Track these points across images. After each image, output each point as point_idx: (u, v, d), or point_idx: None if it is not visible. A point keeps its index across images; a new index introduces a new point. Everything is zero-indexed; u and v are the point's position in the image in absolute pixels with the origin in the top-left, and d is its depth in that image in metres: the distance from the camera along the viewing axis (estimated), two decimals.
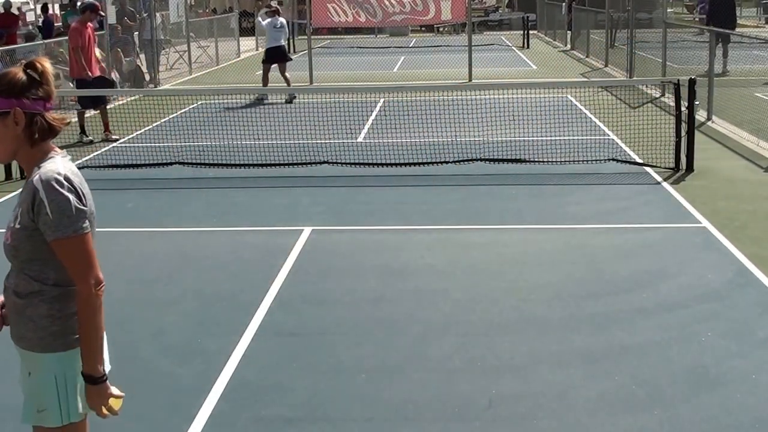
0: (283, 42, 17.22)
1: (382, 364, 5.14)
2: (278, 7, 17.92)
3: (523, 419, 4.46)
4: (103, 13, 13.66)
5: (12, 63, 15.13)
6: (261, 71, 17.18)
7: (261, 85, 17.03)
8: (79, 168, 11.13)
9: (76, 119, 12.60)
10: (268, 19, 17.03)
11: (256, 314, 5.88)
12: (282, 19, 17.20)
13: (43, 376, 2.93)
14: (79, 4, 20.56)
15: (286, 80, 16.81)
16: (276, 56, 16.90)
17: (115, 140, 12.66)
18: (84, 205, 2.85)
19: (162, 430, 4.46)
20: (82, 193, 2.85)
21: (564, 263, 6.88)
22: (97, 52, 17.62)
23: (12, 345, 3.06)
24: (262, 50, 28.97)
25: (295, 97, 16.10)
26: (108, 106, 13.30)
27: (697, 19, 22.80)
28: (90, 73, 12.66)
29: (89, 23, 13.02)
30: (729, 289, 6.32)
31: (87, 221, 2.86)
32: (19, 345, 2.98)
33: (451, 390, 4.77)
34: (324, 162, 10.44)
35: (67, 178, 2.82)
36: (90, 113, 13.23)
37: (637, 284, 6.38)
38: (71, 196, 2.80)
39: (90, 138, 12.60)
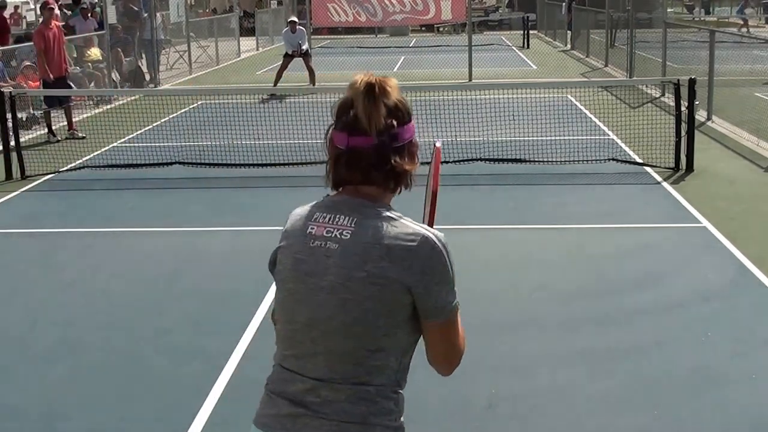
0: (303, 47, 17.98)
1: None
2: (296, 19, 18.66)
3: (523, 419, 4.46)
4: (54, 7, 13.63)
5: (7, 63, 15.13)
6: (261, 71, 17.34)
7: (259, 84, 17.21)
8: (79, 168, 11.01)
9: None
10: (286, 29, 18.32)
11: (256, 314, 5.87)
12: (300, 29, 18.23)
13: None
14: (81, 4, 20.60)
15: (311, 72, 17.82)
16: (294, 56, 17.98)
17: (82, 138, 12.71)
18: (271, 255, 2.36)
19: (162, 430, 4.46)
20: None
21: (564, 263, 6.88)
22: (97, 51, 17.72)
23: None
24: (262, 50, 29.12)
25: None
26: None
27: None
28: (51, 75, 12.62)
29: (54, 23, 13.02)
30: (729, 289, 6.32)
31: None
32: None
33: (451, 390, 4.76)
34: (324, 162, 10.43)
35: None
36: (86, 115, 13.23)
37: (637, 284, 6.38)
38: None
39: (57, 138, 12.64)
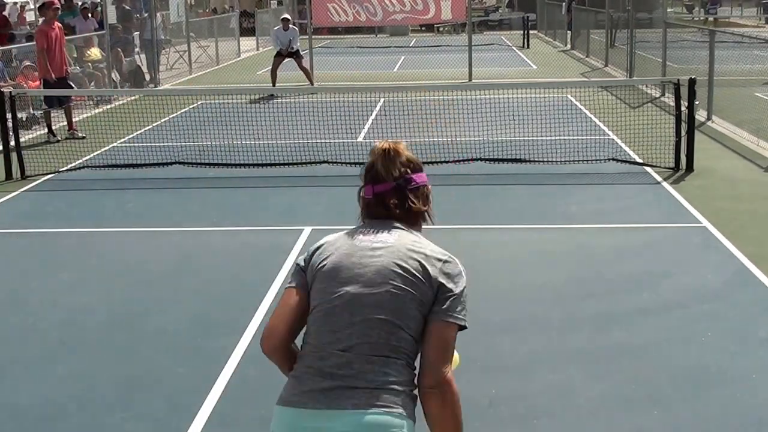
0: (293, 46, 17.96)
1: None
2: (289, 17, 18.73)
3: (523, 419, 4.46)
4: (58, 7, 13.63)
5: (7, 63, 15.13)
6: (261, 71, 17.39)
7: (259, 84, 17.24)
8: (79, 168, 10.96)
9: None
10: (278, 27, 18.49)
11: (256, 314, 5.87)
12: (292, 27, 18.31)
13: None
14: (80, 3, 20.61)
15: (305, 71, 17.98)
16: (288, 54, 17.97)
17: (82, 138, 12.71)
18: (301, 262, 2.74)
19: (162, 429, 4.46)
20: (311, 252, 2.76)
21: (564, 263, 6.88)
22: (97, 51, 17.72)
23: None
24: (262, 50, 29.13)
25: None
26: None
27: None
28: (53, 75, 12.60)
29: (55, 22, 13.01)
30: (729, 289, 6.32)
31: (293, 277, 2.72)
32: None
33: None
34: (324, 162, 10.44)
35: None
36: (86, 115, 13.23)
37: (637, 284, 6.38)
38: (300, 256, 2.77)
39: (57, 138, 12.65)
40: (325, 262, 2.65)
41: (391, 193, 2.73)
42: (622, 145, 11.31)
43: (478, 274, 6.78)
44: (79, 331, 5.77)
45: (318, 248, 2.73)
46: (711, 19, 33.62)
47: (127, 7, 19.70)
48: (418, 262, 2.59)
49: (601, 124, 12.69)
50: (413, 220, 2.77)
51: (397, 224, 2.72)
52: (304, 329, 2.65)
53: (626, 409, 4.53)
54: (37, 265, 7.27)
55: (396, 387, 2.51)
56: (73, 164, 10.96)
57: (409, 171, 2.75)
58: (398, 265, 2.58)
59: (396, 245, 2.63)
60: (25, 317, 6.03)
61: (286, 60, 17.95)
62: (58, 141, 12.53)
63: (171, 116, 13.80)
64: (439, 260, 2.62)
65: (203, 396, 4.72)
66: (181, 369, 5.12)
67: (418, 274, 2.56)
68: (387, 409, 2.47)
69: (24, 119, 12.80)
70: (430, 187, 2.82)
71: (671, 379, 4.84)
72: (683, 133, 9.86)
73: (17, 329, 5.82)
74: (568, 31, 28.40)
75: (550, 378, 4.89)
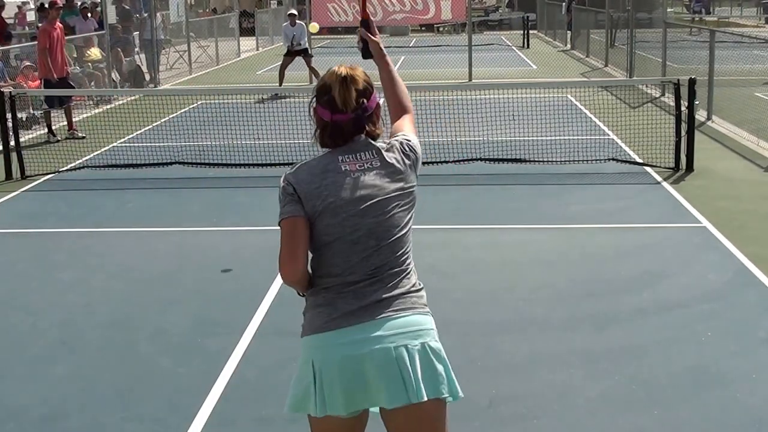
0: (300, 42, 17.89)
1: None
2: (295, 13, 18.67)
3: (523, 419, 4.46)
4: (61, 7, 13.66)
5: (6, 63, 15.13)
6: (261, 71, 17.35)
7: (258, 84, 17.21)
8: (79, 168, 10.93)
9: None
10: (287, 23, 18.31)
11: (256, 314, 5.87)
12: (299, 23, 18.17)
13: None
14: (80, 3, 20.61)
15: (313, 71, 17.66)
16: (296, 52, 17.82)
17: (82, 138, 12.72)
18: (289, 191, 2.87)
19: (162, 430, 4.46)
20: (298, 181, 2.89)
21: (564, 263, 6.88)
22: (97, 51, 17.72)
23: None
24: (262, 50, 29.13)
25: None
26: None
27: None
28: (54, 75, 12.63)
29: (57, 23, 13.02)
30: (729, 289, 6.32)
31: (294, 206, 2.86)
32: None
33: None
34: None
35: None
36: (86, 115, 13.21)
37: (637, 284, 6.38)
38: (282, 183, 2.92)
39: (57, 138, 12.66)
40: (331, 200, 2.84)
41: (349, 123, 2.90)
42: (622, 145, 11.30)
43: (478, 274, 6.80)
44: (79, 331, 5.77)
45: (307, 185, 2.85)
46: (698, 19, 33.51)
47: (127, 7, 19.70)
48: (403, 174, 2.92)
49: (601, 124, 12.69)
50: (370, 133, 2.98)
51: (366, 139, 2.92)
52: (320, 260, 2.90)
53: (626, 409, 4.53)
54: (37, 265, 7.27)
55: (416, 286, 2.93)
56: (73, 164, 10.96)
57: (364, 101, 2.90)
58: (395, 189, 2.89)
59: (384, 167, 2.90)
60: (25, 317, 6.03)
61: (295, 59, 17.87)
62: (58, 141, 12.54)
63: (171, 116, 13.79)
64: (410, 156, 2.95)
65: (203, 396, 4.72)
66: (181, 369, 5.13)
67: (407, 185, 2.92)
68: (414, 310, 2.89)
69: (24, 119, 12.81)
70: (380, 103, 3.01)
71: (671, 379, 4.84)
72: (683, 133, 9.85)
73: (17, 329, 5.82)
74: (568, 31, 28.39)
75: (550, 378, 4.89)
